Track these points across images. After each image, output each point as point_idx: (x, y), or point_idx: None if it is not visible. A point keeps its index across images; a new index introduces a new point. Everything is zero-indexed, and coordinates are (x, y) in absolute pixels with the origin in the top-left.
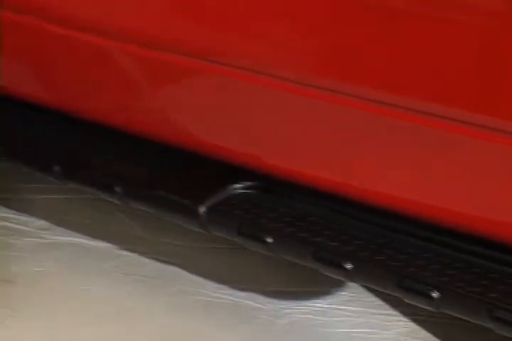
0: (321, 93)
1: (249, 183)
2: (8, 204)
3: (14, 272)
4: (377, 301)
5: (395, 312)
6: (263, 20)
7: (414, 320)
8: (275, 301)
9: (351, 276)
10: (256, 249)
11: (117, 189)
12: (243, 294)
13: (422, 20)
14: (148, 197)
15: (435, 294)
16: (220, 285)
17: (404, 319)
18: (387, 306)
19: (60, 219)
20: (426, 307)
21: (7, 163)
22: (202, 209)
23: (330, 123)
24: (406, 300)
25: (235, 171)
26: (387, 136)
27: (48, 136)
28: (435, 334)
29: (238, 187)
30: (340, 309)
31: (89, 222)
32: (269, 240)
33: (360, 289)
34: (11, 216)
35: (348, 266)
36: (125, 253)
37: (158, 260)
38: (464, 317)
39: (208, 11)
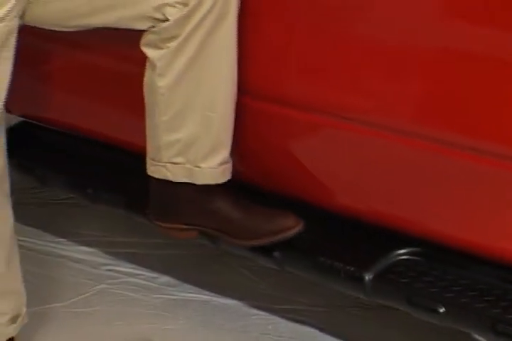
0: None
1: (412, 249)
2: (133, 259)
3: (149, 330)
4: None
5: None
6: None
7: None
8: None
9: None
10: (426, 318)
11: (276, 254)
12: None
13: None
14: (309, 263)
15: None
16: None
17: None
18: None
19: (185, 275)
20: None
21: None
22: (368, 277)
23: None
24: None
25: (398, 236)
26: None
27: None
28: None
29: (402, 253)
30: None
31: (213, 278)
32: (442, 310)
33: None
34: (137, 271)
35: None
36: (256, 311)
37: (292, 319)
38: None
39: None
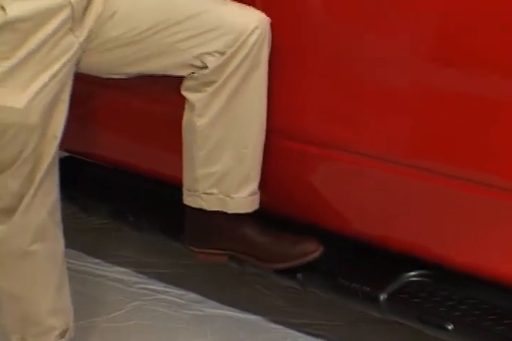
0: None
1: (423, 271)
2: (163, 278)
3: None
4: None
5: None
6: None
7: None
8: None
9: None
10: (436, 335)
11: (298, 276)
12: None
13: None
14: (329, 284)
15: None
16: None
17: None
18: None
19: (209, 293)
20: None
21: (168, 243)
22: (383, 297)
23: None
24: None
25: (409, 260)
26: None
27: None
28: None
29: (413, 275)
30: None
31: (235, 295)
32: (450, 327)
33: None
34: (167, 289)
35: None
36: (275, 325)
37: (309, 333)
38: None
39: None
